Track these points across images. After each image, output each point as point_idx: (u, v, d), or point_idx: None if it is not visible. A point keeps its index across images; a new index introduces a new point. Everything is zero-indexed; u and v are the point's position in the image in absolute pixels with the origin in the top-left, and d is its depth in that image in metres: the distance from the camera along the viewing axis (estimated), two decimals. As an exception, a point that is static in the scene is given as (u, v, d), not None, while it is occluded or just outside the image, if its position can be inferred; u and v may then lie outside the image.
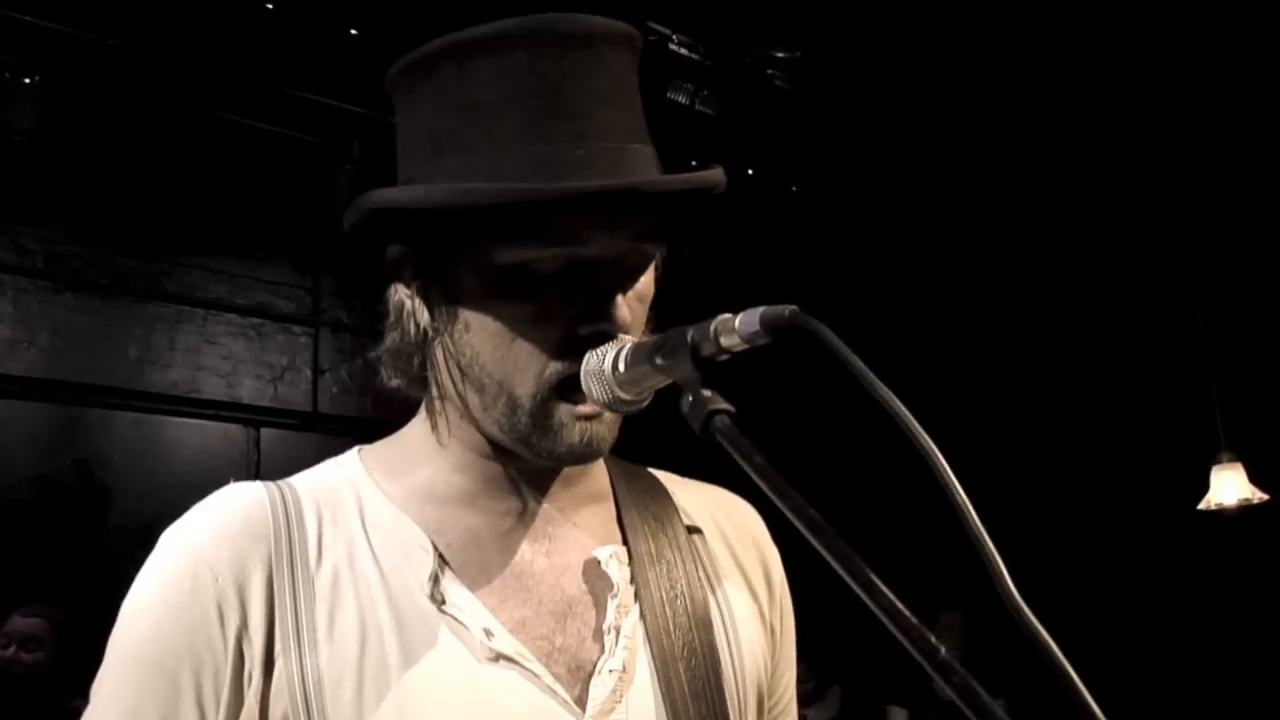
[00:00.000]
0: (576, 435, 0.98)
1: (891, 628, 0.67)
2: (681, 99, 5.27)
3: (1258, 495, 5.22)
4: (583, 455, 1.00)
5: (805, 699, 5.38)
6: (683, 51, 5.15)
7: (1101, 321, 6.58)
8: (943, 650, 0.65)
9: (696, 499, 1.19)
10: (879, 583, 0.68)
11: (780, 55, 5.27)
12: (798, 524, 0.74)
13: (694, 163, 5.49)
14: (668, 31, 5.08)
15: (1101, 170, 5.77)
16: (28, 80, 4.68)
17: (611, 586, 1.04)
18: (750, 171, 5.91)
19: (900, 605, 0.67)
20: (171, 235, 5.55)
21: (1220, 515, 5.34)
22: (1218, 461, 5.31)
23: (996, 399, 6.84)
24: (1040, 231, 6.27)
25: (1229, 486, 5.24)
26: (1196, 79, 5.07)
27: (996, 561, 0.70)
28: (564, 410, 0.98)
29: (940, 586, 4.49)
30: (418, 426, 1.09)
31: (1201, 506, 5.34)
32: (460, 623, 0.97)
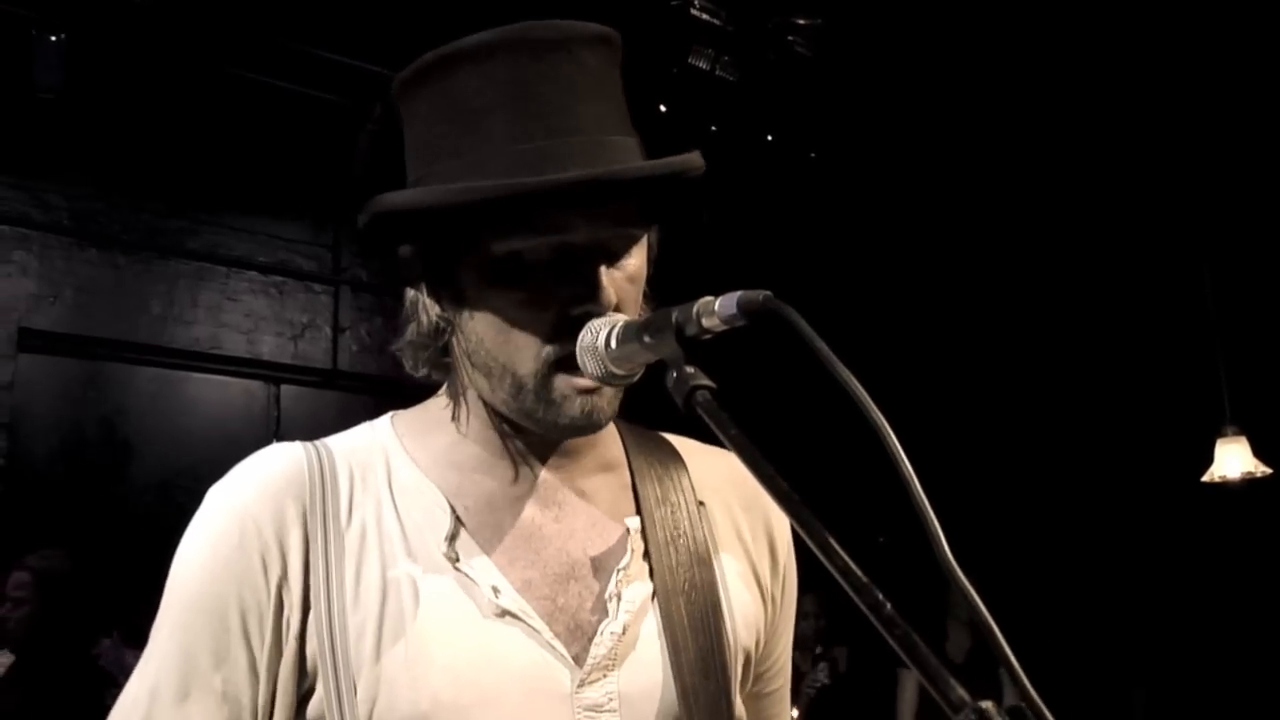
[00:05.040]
0: (577, 408, 1.06)
1: (844, 584, 0.74)
2: (702, 64, 5.29)
3: (1261, 469, 5.21)
4: (584, 426, 1.08)
5: (820, 635, 5.45)
6: (704, 17, 5.17)
7: (1108, 294, 6.60)
8: (889, 606, 0.72)
9: (711, 466, 1.25)
10: (835, 543, 0.75)
11: (801, 22, 5.28)
12: (767, 491, 0.82)
13: (713, 127, 5.54)
14: (690, -3, 5.10)
15: (1114, 148, 5.78)
16: (54, 38, 4.73)
17: (621, 557, 1.13)
18: (770, 138, 5.94)
19: (853, 564, 0.75)
20: (195, 193, 5.61)
21: (1224, 488, 5.33)
22: (1222, 434, 5.31)
23: (1006, 369, 6.87)
24: (1053, 203, 6.28)
25: (1233, 459, 5.23)
26: (1206, 47, 5.07)
27: (936, 529, 0.77)
28: (564, 385, 1.06)
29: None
30: (442, 400, 1.18)
31: (1205, 479, 5.34)
32: (471, 580, 1.05)
